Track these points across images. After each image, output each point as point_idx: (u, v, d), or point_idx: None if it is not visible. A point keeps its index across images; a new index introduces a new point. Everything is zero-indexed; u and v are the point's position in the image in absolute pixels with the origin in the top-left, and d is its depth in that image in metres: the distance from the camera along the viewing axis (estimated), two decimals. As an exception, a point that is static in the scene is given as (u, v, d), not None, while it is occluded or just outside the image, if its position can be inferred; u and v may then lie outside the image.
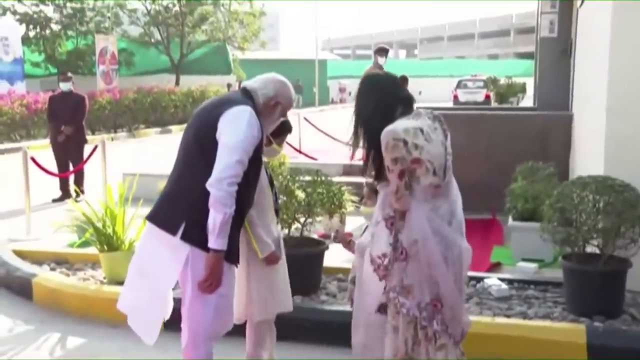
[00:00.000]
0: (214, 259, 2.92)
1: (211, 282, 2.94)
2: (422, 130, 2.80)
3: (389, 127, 2.78)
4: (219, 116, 2.99)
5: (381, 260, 2.92)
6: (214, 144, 2.96)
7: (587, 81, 6.16)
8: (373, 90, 2.98)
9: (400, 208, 2.81)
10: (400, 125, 2.79)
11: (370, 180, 3.71)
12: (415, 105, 3.01)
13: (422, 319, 2.82)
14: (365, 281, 3.07)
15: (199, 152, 3.03)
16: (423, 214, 2.79)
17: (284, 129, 3.59)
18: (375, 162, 2.90)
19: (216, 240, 2.89)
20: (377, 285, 2.97)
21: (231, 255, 3.11)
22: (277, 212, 3.63)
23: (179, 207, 3.01)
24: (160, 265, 3.04)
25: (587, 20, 6.72)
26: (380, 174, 2.90)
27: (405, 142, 2.74)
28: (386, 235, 2.89)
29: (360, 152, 3.06)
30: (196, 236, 2.98)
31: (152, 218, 3.11)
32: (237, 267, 3.22)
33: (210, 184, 2.88)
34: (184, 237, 2.96)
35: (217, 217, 2.86)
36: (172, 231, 2.98)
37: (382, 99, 2.92)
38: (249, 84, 3.24)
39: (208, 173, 2.98)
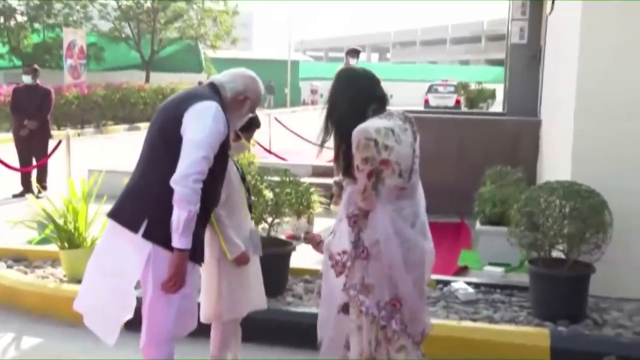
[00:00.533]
0: (178, 258, 2.84)
1: (175, 282, 2.86)
2: (392, 131, 2.77)
3: (361, 126, 2.74)
4: (184, 111, 2.91)
5: (340, 257, 2.88)
6: (179, 140, 2.88)
7: (556, 86, 6.21)
8: (349, 85, 2.92)
9: (365, 208, 2.79)
10: (372, 124, 2.76)
11: (339, 179, 3.67)
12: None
13: (380, 318, 2.79)
14: (331, 280, 3.03)
15: (163, 147, 2.95)
16: (387, 214, 2.77)
17: (253, 124, 3.52)
18: (344, 158, 2.86)
19: (180, 239, 2.82)
20: (341, 284, 2.94)
21: (195, 254, 3.04)
22: (250, 207, 3.55)
23: (141, 204, 2.93)
24: (121, 263, 2.95)
25: (556, 27, 6.78)
26: (348, 170, 2.86)
27: (376, 143, 2.71)
28: (348, 233, 2.86)
29: (327, 153, 3.01)
30: (159, 234, 2.90)
31: (113, 215, 3.02)
32: (200, 266, 3.14)
33: (174, 181, 2.80)
34: (146, 235, 2.88)
35: (182, 215, 2.79)
36: (134, 229, 2.89)
37: (357, 96, 2.87)
38: (216, 78, 3.17)
39: (172, 169, 2.90)
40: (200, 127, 2.86)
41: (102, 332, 3.09)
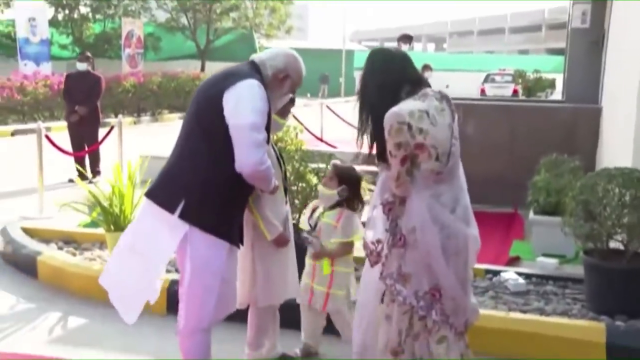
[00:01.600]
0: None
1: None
2: (427, 113, 2.61)
3: (393, 109, 2.59)
4: (223, 90, 2.84)
5: (375, 246, 2.77)
6: (219, 119, 2.82)
7: (620, 72, 5.90)
8: (380, 67, 2.77)
9: (400, 194, 2.66)
10: (405, 107, 2.61)
11: (337, 162, 3.56)
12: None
13: (419, 308, 2.66)
14: (369, 274, 2.91)
15: (200, 128, 2.89)
16: (423, 201, 2.62)
17: (292, 101, 3.42)
18: (379, 143, 2.73)
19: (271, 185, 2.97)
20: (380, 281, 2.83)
21: (232, 237, 2.98)
22: (286, 190, 3.46)
23: (179, 185, 2.88)
24: (155, 243, 2.91)
25: (621, 11, 6.44)
26: (382, 156, 2.73)
27: (410, 126, 2.57)
28: (383, 221, 2.75)
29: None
30: (195, 215, 2.85)
31: (150, 195, 2.98)
32: (239, 249, 3.07)
33: (247, 166, 2.79)
34: (183, 216, 2.83)
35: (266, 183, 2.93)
36: (171, 209, 2.85)
37: (388, 77, 2.73)
38: (257, 56, 3.09)
39: (209, 150, 2.85)
40: (249, 107, 2.79)
41: (123, 311, 3.06)
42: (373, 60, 2.81)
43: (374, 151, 2.77)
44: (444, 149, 2.64)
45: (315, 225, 3.54)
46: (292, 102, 3.42)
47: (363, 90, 2.78)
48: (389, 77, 2.73)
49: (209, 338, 3.05)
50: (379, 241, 2.77)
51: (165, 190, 2.93)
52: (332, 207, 3.53)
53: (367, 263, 2.91)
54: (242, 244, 3.13)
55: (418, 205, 2.63)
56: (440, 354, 2.68)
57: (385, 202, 2.74)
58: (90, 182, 8.23)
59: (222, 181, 2.84)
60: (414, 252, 2.65)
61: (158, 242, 2.90)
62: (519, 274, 4.61)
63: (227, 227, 2.92)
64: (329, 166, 3.66)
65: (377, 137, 2.71)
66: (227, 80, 2.89)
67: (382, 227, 2.76)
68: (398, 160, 2.59)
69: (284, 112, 3.40)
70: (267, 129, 2.93)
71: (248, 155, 2.76)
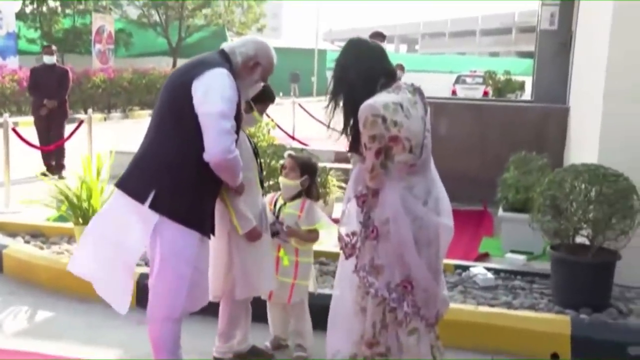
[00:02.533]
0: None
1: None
2: (402, 106, 2.64)
3: (368, 102, 2.61)
4: (192, 79, 2.83)
5: (350, 238, 2.79)
6: (189, 109, 2.80)
7: (586, 72, 6.01)
8: (359, 58, 2.77)
9: (374, 187, 2.68)
10: (380, 100, 2.63)
11: (293, 152, 3.57)
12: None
13: (390, 300, 2.68)
14: (345, 261, 2.92)
15: (169, 117, 2.88)
16: (396, 192, 2.65)
17: (267, 97, 3.42)
18: (352, 133, 2.74)
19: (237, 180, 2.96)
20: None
21: (204, 227, 2.96)
22: (262, 182, 3.45)
23: (149, 175, 2.86)
24: (125, 235, 2.88)
25: (588, 11, 6.56)
26: (355, 147, 2.74)
27: (384, 119, 2.59)
28: (357, 214, 2.77)
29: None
30: (166, 205, 2.83)
31: (121, 185, 2.95)
32: (209, 239, 3.06)
33: (224, 158, 2.78)
34: (153, 206, 2.81)
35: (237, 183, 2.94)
36: (141, 199, 2.83)
37: (366, 69, 2.74)
38: (227, 44, 3.08)
39: (179, 139, 2.83)
40: (219, 96, 2.78)
41: (115, 302, 3.02)
42: (352, 49, 2.81)
43: (347, 130, 2.77)
44: (418, 141, 2.67)
45: (278, 216, 3.53)
46: (271, 98, 3.42)
47: (340, 76, 2.77)
48: (367, 67, 2.73)
49: (179, 328, 3.03)
50: (354, 233, 2.78)
51: (136, 181, 2.90)
52: (294, 198, 3.53)
53: (341, 257, 2.92)
54: (214, 234, 3.12)
55: (391, 197, 2.64)
56: (410, 345, 2.71)
57: (359, 195, 2.75)
58: (60, 177, 8.12)
59: (192, 170, 2.83)
60: (387, 243, 2.67)
61: (130, 233, 2.87)
62: (488, 269, 4.67)
63: (197, 217, 2.91)
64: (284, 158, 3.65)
65: (351, 127, 2.73)
66: (196, 68, 2.88)
67: (357, 219, 2.77)
68: (372, 153, 2.61)
69: (263, 108, 3.40)
70: (238, 118, 2.92)
71: (216, 143, 2.75)
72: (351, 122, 2.73)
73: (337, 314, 2.94)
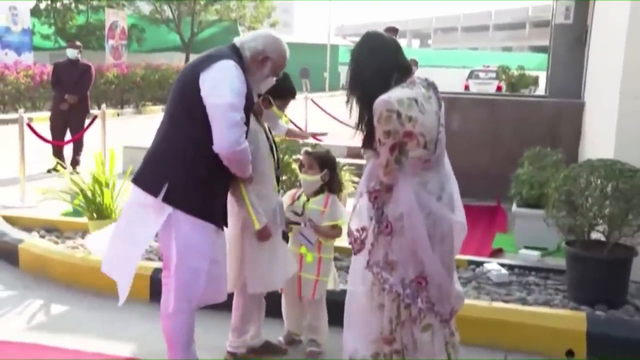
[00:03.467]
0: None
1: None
2: (416, 101, 2.64)
3: (383, 97, 2.60)
4: (200, 72, 2.85)
5: (359, 233, 2.78)
6: (198, 101, 2.82)
7: (602, 67, 5.96)
8: (373, 52, 2.76)
9: (388, 182, 2.67)
10: (394, 95, 2.62)
11: (310, 149, 3.55)
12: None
13: (405, 296, 2.67)
14: (355, 265, 2.91)
15: (183, 110, 2.89)
16: (410, 188, 2.64)
17: (287, 92, 3.41)
18: (366, 129, 2.73)
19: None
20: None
21: (217, 218, 2.97)
22: (278, 179, 3.44)
23: (161, 168, 2.87)
24: (139, 227, 2.90)
25: (603, 7, 6.49)
26: (368, 142, 2.73)
27: (399, 114, 2.58)
28: (368, 209, 2.76)
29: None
30: (179, 198, 2.85)
31: (135, 180, 2.98)
32: (222, 230, 3.06)
33: (222, 149, 2.78)
34: (166, 199, 2.82)
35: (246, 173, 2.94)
36: (155, 193, 2.85)
37: (381, 64, 2.72)
38: (238, 39, 3.07)
39: (190, 132, 2.85)
40: (227, 88, 2.78)
41: (120, 291, 3.04)
42: (367, 43, 2.79)
43: (362, 125, 2.76)
44: (432, 137, 2.66)
45: (302, 213, 3.52)
46: (291, 94, 3.40)
47: (356, 72, 2.76)
48: (382, 62, 2.72)
49: (192, 322, 3.04)
50: (363, 229, 2.77)
51: (149, 175, 2.92)
52: (316, 193, 3.52)
53: (353, 258, 2.91)
54: (227, 225, 3.13)
55: (406, 193, 2.63)
56: (425, 342, 2.70)
57: (372, 190, 2.74)
58: (74, 172, 8.16)
59: (204, 163, 2.83)
60: (401, 239, 2.66)
61: (142, 225, 2.89)
62: (502, 265, 4.64)
63: (211, 209, 2.92)
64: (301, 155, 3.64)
65: (365, 122, 2.72)
66: (204, 62, 2.89)
67: (367, 215, 2.76)
68: (387, 148, 2.59)
69: (283, 104, 3.38)
70: (247, 110, 2.91)
71: (225, 134, 2.76)
72: (366, 117, 2.72)
73: (351, 312, 2.93)
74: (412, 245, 2.66)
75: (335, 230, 3.52)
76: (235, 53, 2.97)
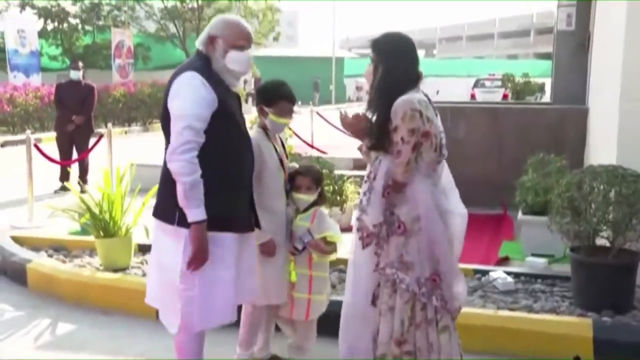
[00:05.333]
0: (195, 231, 2.79)
1: (199, 257, 2.80)
2: (430, 104, 2.79)
3: (405, 97, 2.72)
4: (167, 93, 2.89)
5: (377, 229, 2.81)
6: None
7: (603, 72, 5.96)
8: (406, 55, 2.86)
9: (404, 180, 2.75)
10: (414, 96, 2.75)
11: (303, 167, 3.54)
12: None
13: (420, 295, 2.73)
14: (359, 266, 2.93)
15: (167, 134, 2.90)
16: (427, 188, 2.75)
17: (277, 96, 3.35)
18: (381, 130, 2.79)
19: (190, 212, 2.77)
20: (368, 272, 2.86)
21: (237, 225, 2.97)
22: (287, 193, 3.44)
23: (169, 195, 2.87)
24: (168, 255, 2.92)
25: (604, 11, 6.51)
26: (381, 143, 2.79)
27: (421, 114, 2.71)
28: (381, 205, 2.81)
29: None
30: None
31: (153, 213, 3.03)
32: (247, 232, 3.05)
33: (167, 159, 2.79)
34: (180, 223, 2.84)
35: (180, 189, 2.76)
36: (170, 221, 2.88)
37: (408, 67, 2.84)
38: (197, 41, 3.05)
39: None
40: (180, 100, 2.81)
41: (168, 323, 3.01)
42: (397, 45, 2.87)
43: (375, 127, 2.82)
44: (440, 140, 2.80)
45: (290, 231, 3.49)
46: (283, 97, 3.36)
47: (387, 70, 2.80)
48: (409, 67, 2.84)
49: (202, 340, 3.06)
50: (381, 224, 2.81)
51: (162, 205, 2.97)
52: (305, 210, 3.46)
53: (350, 260, 2.95)
54: (258, 226, 3.15)
55: (422, 194, 2.73)
56: (443, 344, 2.76)
57: (386, 186, 2.79)
58: (82, 191, 8.23)
59: (205, 176, 2.81)
60: (417, 239, 2.73)
61: (167, 252, 2.92)
62: (508, 273, 4.64)
63: (227, 219, 2.90)
64: (323, 170, 3.61)
65: (382, 123, 2.77)
66: (172, 78, 2.92)
67: (380, 210, 2.80)
68: (410, 146, 2.70)
69: (282, 111, 3.34)
70: (226, 108, 2.89)
71: (171, 144, 2.78)
72: (382, 118, 2.78)
73: (349, 320, 2.96)
74: (430, 245, 2.74)
75: (331, 247, 3.44)
76: (198, 56, 2.98)
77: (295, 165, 3.60)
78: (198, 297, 2.87)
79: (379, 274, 2.83)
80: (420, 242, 2.73)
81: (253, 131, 3.37)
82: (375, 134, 2.82)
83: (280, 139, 3.52)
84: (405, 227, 2.74)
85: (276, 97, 3.35)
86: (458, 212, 2.82)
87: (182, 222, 2.82)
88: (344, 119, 2.96)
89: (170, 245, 2.90)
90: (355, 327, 2.93)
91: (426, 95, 2.85)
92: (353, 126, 2.92)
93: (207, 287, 2.88)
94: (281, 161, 3.38)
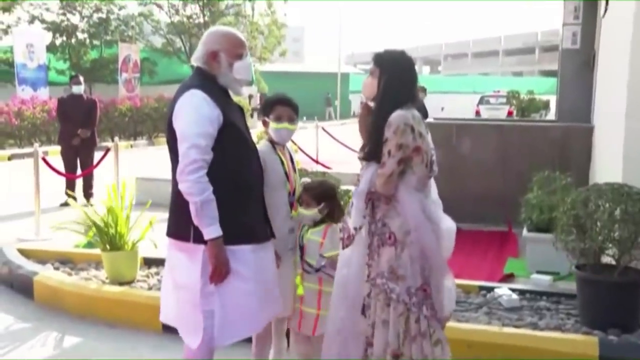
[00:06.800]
0: (212, 248, 2.80)
1: (220, 271, 2.82)
2: (423, 121, 2.84)
3: (400, 112, 2.77)
4: (171, 113, 2.90)
5: (355, 232, 2.87)
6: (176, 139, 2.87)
7: (609, 90, 5.99)
8: (408, 71, 2.93)
9: (384, 192, 2.79)
10: (409, 112, 2.80)
11: (307, 182, 3.56)
12: None
13: (411, 304, 2.75)
14: (346, 279, 2.95)
15: (174, 152, 2.91)
16: (416, 201, 2.78)
17: (274, 102, 3.40)
18: (376, 140, 2.82)
19: (205, 230, 2.79)
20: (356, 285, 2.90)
21: (252, 235, 2.96)
22: (291, 205, 3.44)
23: (182, 213, 2.87)
24: (185, 273, 2.92)
25: (610, 29, 6.55)
26: (374, 153, 2.82)
27: (413, 129, 2.76)
28: (363, 209, 2.86)
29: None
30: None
31: (167, 232, 3.03)
32: (264, 241, 3.05)
33: (177, 180, 2.81)
34: (196, 240, 2.85)
35: (192, 209, 2.77)
36: (186, 238, 2.89)
37: (408, 83, 2.90)
38: (193, 57, 3.06)
39: None
40: (183, 120, 2.82)
41: (189, 340, 2.96)
42: (402, 61, 2.94)
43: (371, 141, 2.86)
44: (430, 156, 2.84)
45: (302, 245, 3.49)
46: (279, 102, 3.40)
47: (389, 85, 2.86)
48: (409, 83, 2.90)
49: (213, 350, 3.05)
50: (361, 227, 2.87)
51: (175, 223, 2.97)
52: (317, 224, 3.45)
53: (338, 276, 2.98)
54: (274, 235, 3.16)
55: (412, 207, 2.76)
56: (437, 356, 2.77)
57: (368, 192, 2.83)
58: (87, 204, 8.27)
59: (217, 193, 2.84)
60: (411, 252, 2.76)
61: (188, 272, 2.90)
62: (513, 290, 4.64)
63: (240, 231, 2.90)
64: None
65: (378, 135, 2.81)
66: (175, 99, 2.92)
67: (362, 213, 2.86)
68: (395, 160, 2.74)
69: (279, 116, 3.36)
70: (230, 120, 2.89)
71: (179, 164, 2.79)
72: (380, 129, 2.81)
73: (338, 334, 2.97)
74: (422, 257, 2.78)
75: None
76: (198, 73, 2.99)
77: (308, 180, 3.62)
78: (218, 312, 2.87)
79: (370, 284, 2.86)
80: (413, 255, 2.77)
81: (261, 144, 3.42)
82: (369, 144, 2.87)
83: (290, 152, 3.54)
84: (395, 238, 2.78)
85: (272, 103, 3.42)
86: (447, 226, 2.85)
87: (198, 238, 2.83)
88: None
89: (186, 263, 2.90)
90: (345, 340, 2.94)
91: (416, 113, 2.91)
92: (360, 117, 3.02)
93: (227, 301, 2.88)
94: (287, 175, 3.40)
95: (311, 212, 3.43)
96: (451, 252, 2.90)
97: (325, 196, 3.45)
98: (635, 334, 3.85)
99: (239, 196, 2.93)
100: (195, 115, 2.80)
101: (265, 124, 3.43)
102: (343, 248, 2.92)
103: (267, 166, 3.29)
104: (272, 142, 3.43)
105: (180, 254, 2.94)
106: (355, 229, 2.87)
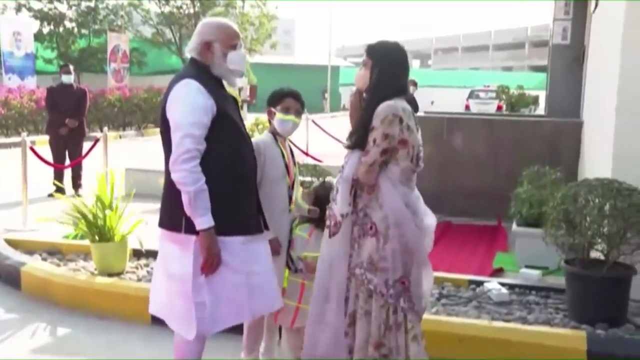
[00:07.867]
0: (204, 239, 2.79)
1: (211, 262, 2.81)
2: (413, 115, 2.85)
3: (389, 102, 2.77)
4: (165, 102, 2.89)
5: (342, 218, 2.87)
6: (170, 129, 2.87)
7: (599, 86, 6.02)
8: (401, 62, 2.93)
9: (364, 181, 2.80)
10: (398, 103, 2.79)
11: (330, 179, 3.59)
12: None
13: (388, 296, 2.77)
14: (329, 273, 2.95)
15: (167, 142, 2.90)
16: (401, 195, 2.79)
17: (281, 95, 3.41)
18: (364, 129, 2.83)
19: (197, 221, 2.78)
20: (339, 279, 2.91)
21: (241, 227, 2.95)
22: (290, 198, 3.45)
23: (174, 204, 2.87)
24: (177, 263, 2.91)
25: (600, 25, 6.58)
26: (360, 142, 2.83)
27: (401, 121, 2.76)
28: (349, 196, 2.85)
29: None
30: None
31: (159, 223, 3.03)
32: (256, 234, 3.03)
33: (170, 169, 2.80)
34: (187, 231, 2.85)
35: (185, 198, 2.77)
36: (177, 229, 2.88)
37: (401, 74, 2.91)
38: (187, 48, 3.05)
39: None
40: (177, 109, 2.82)
41: (183, 331, 2.94)
42: (395, 51, 2.93)
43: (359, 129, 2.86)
44: (418, 152, 2.85)
45: (290, 239, 3.50)
46: (286, 95, 3.41)
47: (381, 74, 2.85)
48: (401, 74, 2.90)
49: (204, 340, 3.04)
50: (347, 214, 2.86)
51: (168, 214, 2.96)
52: (305, 221, 3.49)
53: (319, 273, 2.95)
54: (267, 228, 3.14)
55: (394, 200, 2.77)
56: (414, 351, 2.81)
57: (353, 177, 2.84)
58: (76, 194, 8.21)
59: (209, 185, 2.83)
60: (394, 246, 2.77)
61: (179, 263, 2.89)
62: (502, 284, 4.66)
63: (233, 221, 2.90)
64: (319, 178, 3.63)
65: (366, 125, 2.81)
66: (169, 89, 2.92)
67: (347, 200, 2.85)
68: (379, 150, 2.75)
69: (288, 108, 3.38)
70: (225, 110, 2.89)
71: (172, 154, 2.79)
72: (367, 118, 2.82)
73: (317, 326, 2.96)
74: (406, 250, 2.79)
75: None
76: (193, 64, 2.98)
77: (333, 180, 3.60)
78: (208, 303, 2.87)
79: (350, 274, 2.87)
80: (396, 249, 2.77)
81: (263, 135, 3.44)
82: (357, 133, 2.87)
83: (290, 146, 3.54)
84: (376, 229, 2.79)
85: (282, 95, 3.43)
86: (429, 222, 2.90)
87: (190, 229, 2.83)
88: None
89: (178, 253, 2.90)
90: (325, 330, 2.93)
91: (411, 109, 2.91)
92: (352, 104, 3.01)
93: (217, 291, 2.88)
94: (287, 167, 3.40)
95: (303, 206, 3.45)
96: (431, 247, 2.93)
97: (323, 203, 3.44)
98: (622, 328, 3.89)
99: (231, 187, 2.92)
100: (189, 105, 2.79)
101: (270, 113, 3.43)
102: (330, 236, 2.90)
103: (267, 158, 3.30)
104: (275, 134, 3.42)
105: (172, 244, 2.93)
106: (342, 215, 2.86)
